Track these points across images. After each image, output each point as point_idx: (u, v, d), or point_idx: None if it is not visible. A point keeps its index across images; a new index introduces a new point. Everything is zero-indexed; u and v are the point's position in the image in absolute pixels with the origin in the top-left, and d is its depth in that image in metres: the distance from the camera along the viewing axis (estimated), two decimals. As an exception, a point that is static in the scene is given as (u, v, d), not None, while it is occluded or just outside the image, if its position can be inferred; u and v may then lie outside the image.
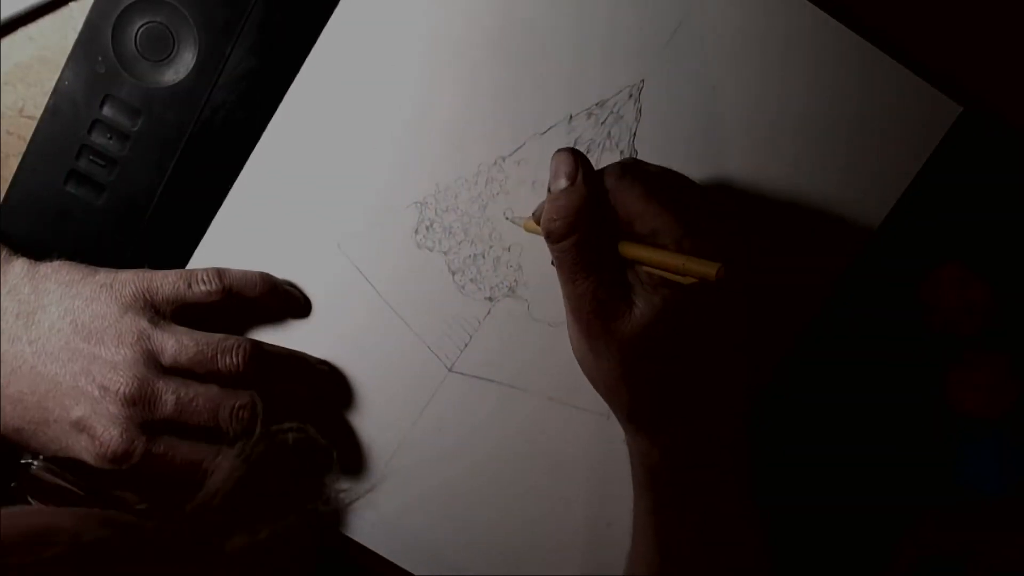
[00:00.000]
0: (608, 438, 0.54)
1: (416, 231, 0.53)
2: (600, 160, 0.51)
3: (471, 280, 0.53)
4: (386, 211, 0.52)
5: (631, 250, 0.44)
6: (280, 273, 0.53)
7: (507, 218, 0.52)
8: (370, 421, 0.55)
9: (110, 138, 0.52)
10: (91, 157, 0.52)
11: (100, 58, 0.51)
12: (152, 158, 0.53)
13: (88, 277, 0.50)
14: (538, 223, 0.47)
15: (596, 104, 0.51)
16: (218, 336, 0.50)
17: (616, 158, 0.51)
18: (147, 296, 0.50)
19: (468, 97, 0.51)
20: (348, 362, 0.54)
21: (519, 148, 0.52)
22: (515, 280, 0.53)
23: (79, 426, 0.48)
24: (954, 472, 0.54)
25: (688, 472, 0.47)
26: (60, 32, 0.52)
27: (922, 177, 0.52)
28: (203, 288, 0.50)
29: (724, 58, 0.51)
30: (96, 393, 0.48)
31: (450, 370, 0.54)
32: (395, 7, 0.51)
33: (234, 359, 0.50)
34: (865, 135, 0.51)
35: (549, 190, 0.45)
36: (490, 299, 0.53)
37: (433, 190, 0.52)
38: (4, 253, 0.50)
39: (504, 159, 0.52)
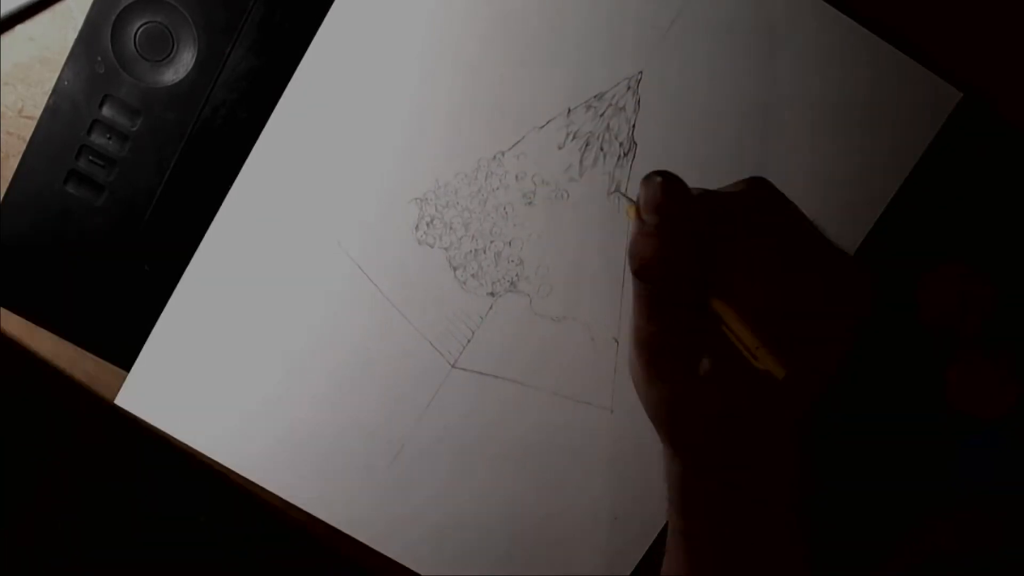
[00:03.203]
0: (612, 432, 0.54)
1: (416, 227, 0.53)
2: (600, 154, 0.52)
3: (472, 276, 0.53)
4: (386, 208, 0.52)
5: (720, 307, 0.39)
6: (282, 272, 0.53)
7: (612, 192, 0.51)
8: (374, 418, 0.55)
9: (110, 138, 0.52)
10: (91, 157, 0.52)
11: (100, 58, 0.52)
12: (152, 158, 0.53)
13: None
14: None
15: (595, 97, 0.51)
16: None
17: (616, 150, 0.52)
18: None
19: (466, 92, 0.51)
20: (350, 360, 0.54)
21: (518, 142, 0.52)
22: (516, 275, 0.53)
23: None
24: (954, 471, 0.55)
25: (723, 497, 0.45)
26: (60, 32, 0.52)
27: (921, 173, 0.52)
28: None
29: (722, 48, 0.51)
30: None
31: (453, 366, 0.54)
32: (391, 3, 0.51)
33: None
34: (865, 122, 0.51)
35: (640, 218, 0.40)
36: (492, 294, 0.53)
37: (433, 186, 0.52)
38: None
39: (503, 153, 0.52)
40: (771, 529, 0.46)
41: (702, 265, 0.40)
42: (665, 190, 0.39)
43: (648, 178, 0.40)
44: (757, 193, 0.41)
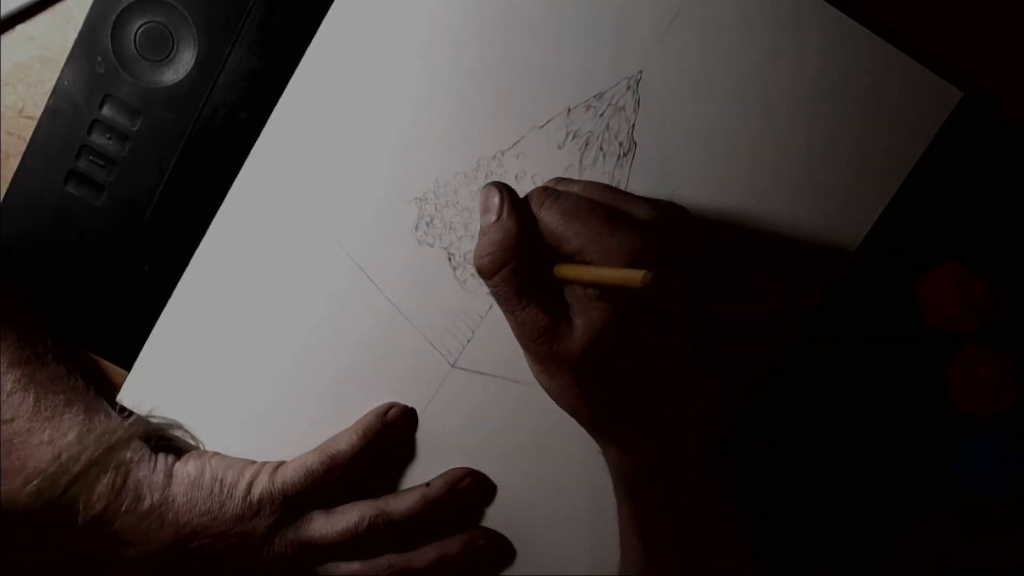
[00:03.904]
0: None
1: (416, 227, 0.53)
2: (600, 154, 0.51)
3: (472, 275, 0.53)
4: (386, 208, 0.52)
5: (563, 270, 0.45)
6: (282, 272, 0.53)
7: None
8: (373, 419, 0.54)
9: (110, 138, 0.52)
10: (91, 157, 0.52)
11: (99, 58, 0.52)
12: (152, 158, 0.53)
13: (224, 507, 0.52)
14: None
15: (594, 96, 0.51)
16: (354, 521, 0.53)
17: (616, 150, 0.51)
18: (284, 503, 0.53)
19: (466, 92, 0.51)
20: (350, 359, 0.54)
21: (518, 142, 0.52)
22: (516, 275, 0.53)
23: None
24: (954, 471, 0.55)
25: (664, 477, 0.48)
26: (60, 32, 0.52)
27: (921, 173, 0.52)
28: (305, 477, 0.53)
29: (722, 47, 0.51)
30: None
31: (453, 366, 0.54)
32: (391, 3, 0.51)
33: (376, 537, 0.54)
34: (865, 122, 0.51)
35: (481, 222, 0.47)
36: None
37: (433, 186, 0.52)
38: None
39: (503, 153, 0.52)
40: (712, 491, 0.50)
41: (539, 246, 0.46)
42: (495, 191, 0.47)
43: (482, 188, 0.48)
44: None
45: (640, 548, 0.50)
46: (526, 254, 0.45)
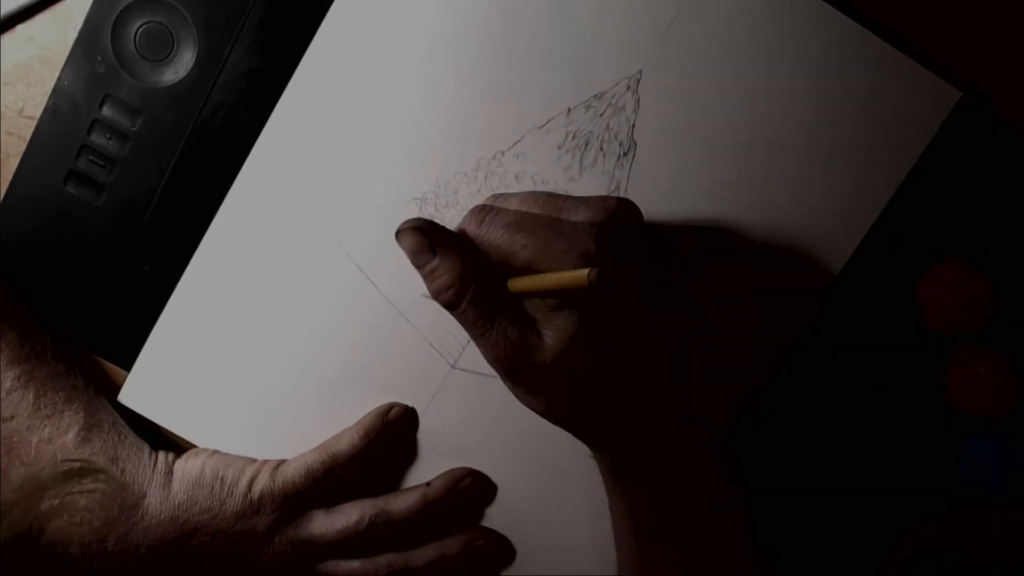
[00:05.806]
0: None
1: (416, 227, 0.53)
2: (600, 154, 0.52)
3: (472, 276, 0.53)
4: (386, 208, 0.52)
5: (516, 283, 0.45)
6: (282, 272, 0.53)
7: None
8: (373, 419, 0.54)
9: (110, 138, 0.52)
10: (91, 157, 0.53)
11: (99, 58, 0.52)
12: (152, 158, 0.53)
13: (224, 505, 0.52)
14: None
15: (594, 96, 0.51)
16: (354, 519, 0.53)
17: (616, 150, 0.51)
18: (285, 502, 0.53)
19: (466, 92, 0.51)
20: (350, 360, 0.54)
21: (518, 142, 0.52)
22: (516, 275, 0.53)
23: None
24: (954, 471, 0.54)
25: (654, 470, 0.48)
26: (60, 32, 0.52)
27: (918, 172, 0.52)
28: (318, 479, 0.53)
29: (722, 47, 0.51)
30: None
31: (453, 367, 0.54)
32: (391, 3, 0.51)
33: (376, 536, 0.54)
34: (864, 122, 0.51)
35: (417, 266, 0.46)
36: (492, 294, 0.53)
37: (433, 186, 0.52)
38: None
39: (503, 153, 0.52)
40: (708, 480, 0.49)
41: (491, 268, 0.45)
42: (419, 236, 0.46)
43: (401, 234, 0.47)
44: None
45: (636, 547, 0.50)
46: (481, 278, 0.45)
